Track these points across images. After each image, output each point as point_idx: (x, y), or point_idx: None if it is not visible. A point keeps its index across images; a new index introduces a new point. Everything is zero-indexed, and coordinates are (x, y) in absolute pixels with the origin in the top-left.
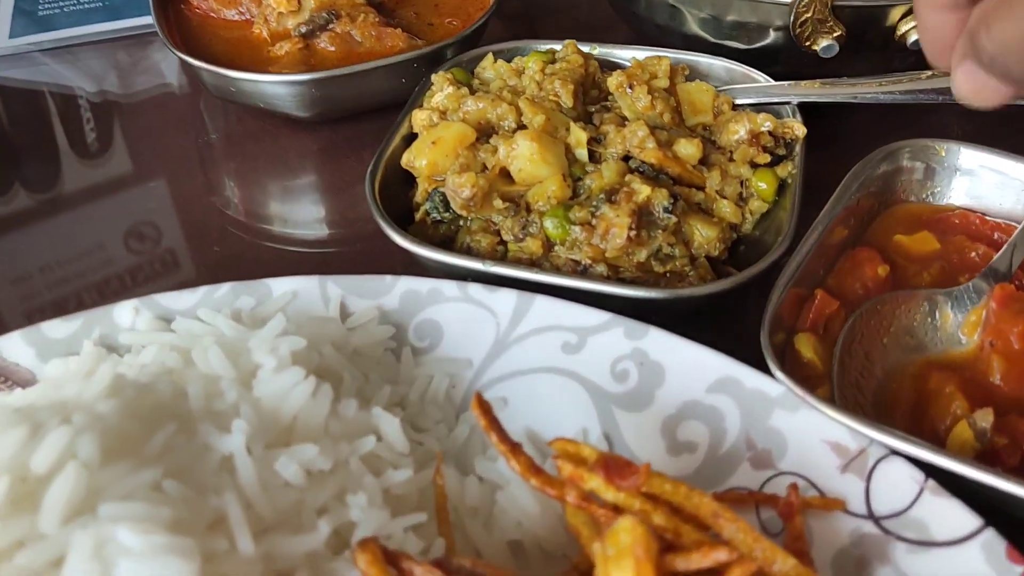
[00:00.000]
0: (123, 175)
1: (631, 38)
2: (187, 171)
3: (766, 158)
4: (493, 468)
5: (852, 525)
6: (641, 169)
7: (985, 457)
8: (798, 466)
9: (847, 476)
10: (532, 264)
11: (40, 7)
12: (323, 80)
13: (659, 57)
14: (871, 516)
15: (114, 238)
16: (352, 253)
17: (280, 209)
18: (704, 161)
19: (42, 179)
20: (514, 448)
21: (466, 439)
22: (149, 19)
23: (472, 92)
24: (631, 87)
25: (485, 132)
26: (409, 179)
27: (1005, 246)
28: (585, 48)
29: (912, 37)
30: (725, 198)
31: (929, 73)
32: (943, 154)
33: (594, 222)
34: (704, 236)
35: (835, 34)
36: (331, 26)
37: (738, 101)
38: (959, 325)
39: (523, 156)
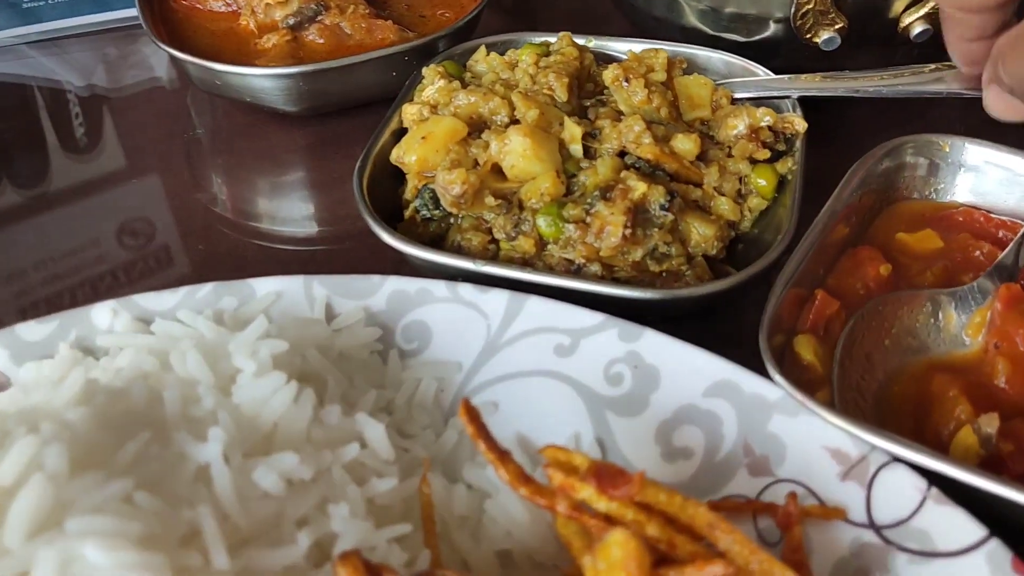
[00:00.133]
0: (112, 171)
1: (629, 30)
2: (174, 167)
3: (765, 154)
4: (482, 475)
5: (852, 535)
6: (637, 165)
7: (990, 464)
8: (797, 473)
9: (847, 484)
10: (525, 263)
11: None
12: (311, 73)
13: (656, 50)
14: (872, 525)
15: (101, 235)
16: (341, 251)
17: (268, 206)
18: (702, 157)
19: (31, 175)
20: (503, 456)
21: (454, 445)
22: (136, 11)
23: (464, 86)
24: (627, 80)
25: (477, 127)
26: (399, 175)
27: (1011, 245)
28: (580, 41)
29: (916, 30)
30: (723, 195)
31: (932, 66)
32: (947, 150)
33: (588, 220)
34: (701, 234)
35: (837, 26)
36: (320, 18)
37: (737, 95)
38: (963, 326)
39: (516, 152)
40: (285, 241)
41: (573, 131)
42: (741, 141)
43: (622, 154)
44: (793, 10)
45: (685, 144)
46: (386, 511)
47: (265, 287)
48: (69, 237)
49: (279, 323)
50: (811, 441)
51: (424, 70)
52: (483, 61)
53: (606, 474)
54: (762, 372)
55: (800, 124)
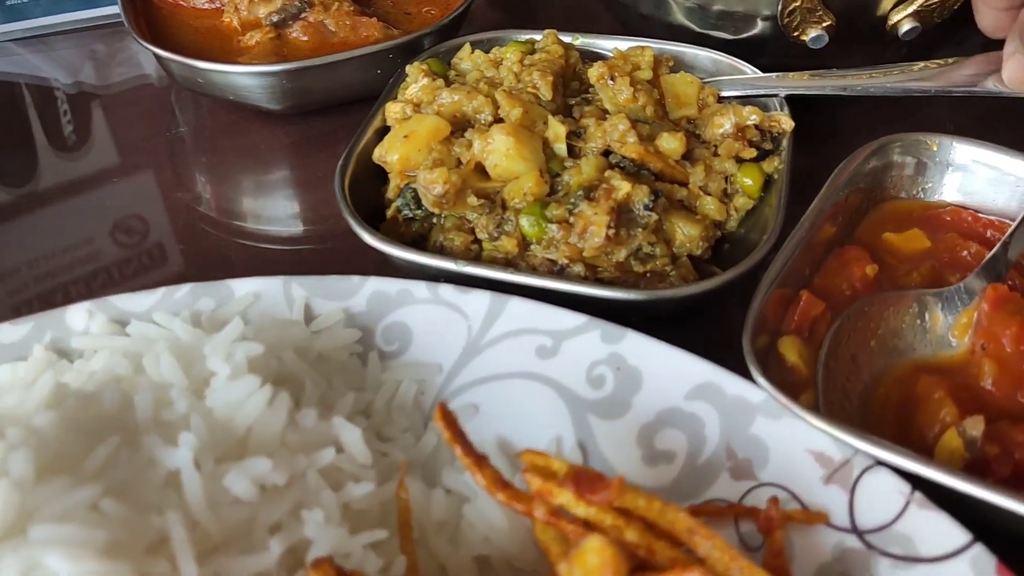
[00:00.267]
0: (99, 170)
1: (617, 28)
2: (157, 166)
3: (752, 153)
4: (461, 479)
5: (835, 539)
6: (622, 164)
7: (975, 467)
8: (780, 477)
9: (831, 487)
10: (507, 264)
11: None
12: (295, 71)
13: (642, 48)
14: (855, 530)
15: (84, 234)
16: (324, 250)
17: (250, 205)
18: (688, 156)
19: (19, 173)
20: (479, 461)
21: (434, 448)
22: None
23: (448, 84)
24: (612, 79)
25: (461, 126)
26: (383, 174)
27: (998, 245)
28: (567, 38)
29: (904, 27)
30: (709, 194)
31: (921, 64)
32: (935, 149)
33: (572, 220)
34: (686, 234)
35: (824, 24)
36: (304, 15)
37: (724, 93)
38: (950, 327)
39: (499, 151)
40: (268, 240)
41: (557, 130)
42: (727, 140)
43: (607, 153)
44: (780, 8)
45: (670, 143)
46: (362, 516)
47: (243, 288)
48: (55, 236)
49: (257, 325)
50: (794, 444)
51: (408, 68)
52: (467, 59)
53: (584, 479)
54: (747, 374)
55: (787, 123)
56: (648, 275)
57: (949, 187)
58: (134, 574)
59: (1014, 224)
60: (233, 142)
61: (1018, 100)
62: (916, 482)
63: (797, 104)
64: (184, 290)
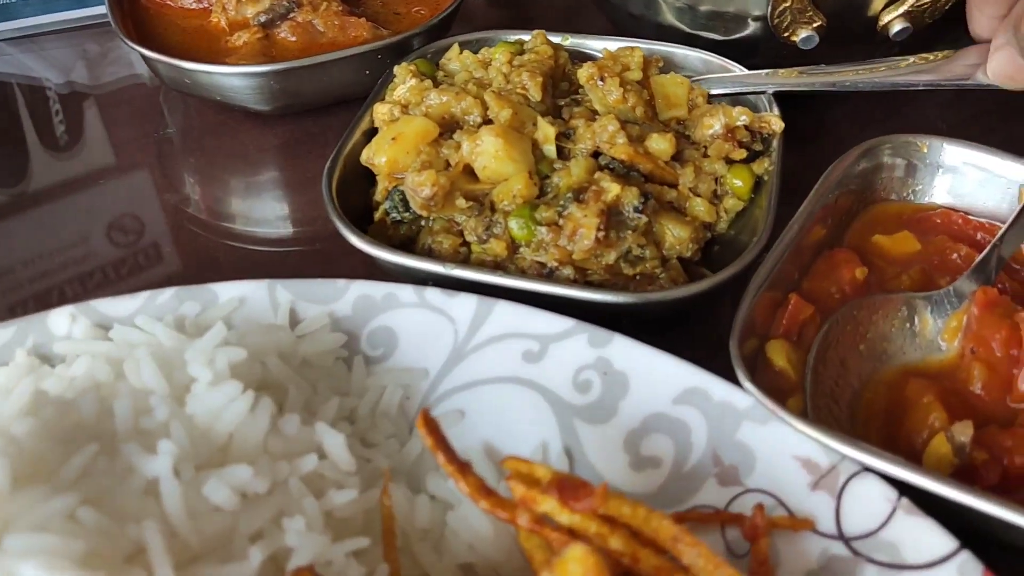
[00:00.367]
0: (88, 171)
1: (608, 27)
2: (146, 167)
3: (742, 153)
4: (446, 486)
5: (821, 546)
6: (611, 166)
7: (963, 473)
8: (766, 483)
9: (817, 494)
10: (496, 266)
11: None
12: (282, 72)
13: (632, 48)
14: (841, 537)
15: (72, 236)
16: (313, 252)
17: (239, 206)
18: (677, 157)
19: (11, 173)
20: (462, 468)
21: (419, 455)
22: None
23: (436, 85)
24: (602, 79)
25: (449, 127)
26: (372, 175)
27: (988, 248)
28: (556, 39)
29: (895, 28)
30: (699, 196)
31: (910, 60)
32: (925, 150)
33: (561, 222)
34: (676, 236)
35: (815, 24)
36: (292, 15)
37: (713, 92)
38: (939, 331)
39: (487, 153)
40: (257, 242)
41: (546, 131)
42: (717, 141)
43: (597, 154)
44: (770, 8)
45: (660, 144)
46: (345, 524)
47: (228, 292)
48: (45, 236)
49: (241, 329)
50: (781, 450)
51: (395, 69)
52: (456, 60)
53: (568, 487)
54: (735, 378)
55: (777, 123)
56: (638, 277)
57: (939, 189)
58: None
59: (1004, 227)
60: (221, 143)
61: (1010, 98)
62: (904, 488)
63: (787, 103)
64: (168, 294)
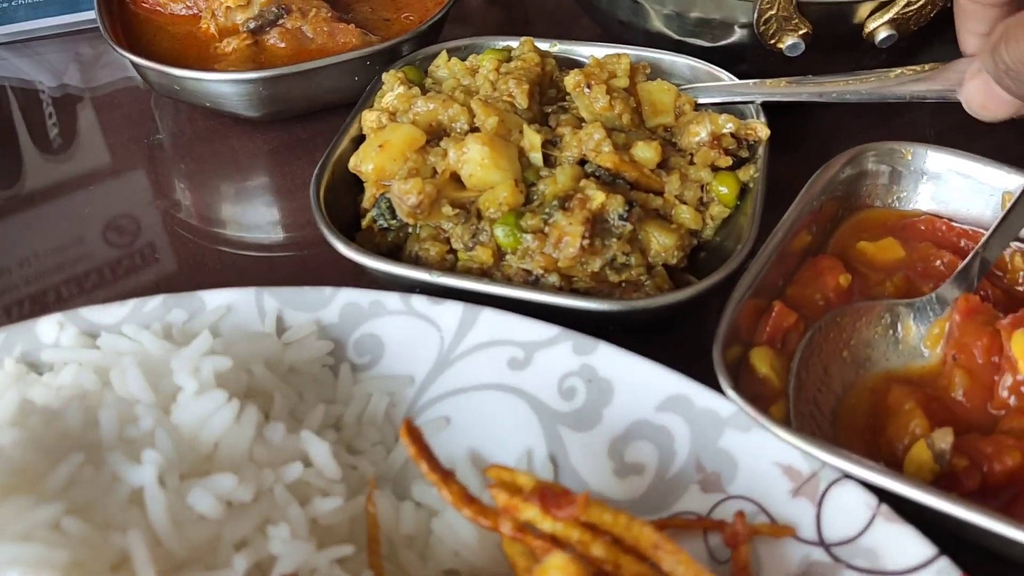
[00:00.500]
0: (82, 174)
1: (597, 32)
2: (136, 171)
3: (727, 161)
4: (431, 493)
5: (802, 552)
6: (597, 174)
7: (944, 479)
8: (748, 490)
9: (798, 500)
10: (483, 274)
11: None
12: (271, 79)
13: (619, 55)
14: (822, 543)
15: (68, 238)
16: (302, 258)
17: (228, 212)
18: (664, 164)
19: (4, 175)
20: (446, 477)
21: (404, 462)
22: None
23: (424, 92)
24: (589, 87)
25: (437, 134)
26: (361, 182)
27: (970, 255)
28: (544, 45)
29: (880, 35)
30: (685, 203)
31: (897, 71)
32: (909, 157)
33: (547, 230)
34: (661, 244)
35: (801, 32)
36: (281, 21)
37: (701, 101)
38: (922, 338)
39: (474, 160)
40: (246, 247)
41: (532, 139)
42: (703, 148)
43: (583, 162)
44: (756, 16)
45: (645, 152)
46: (331, 531)
47: (215, 300)
48: (37, 240)
49: (228, 337)
50: (763, 457)
51: (384, 76)
52: (444, 67)
53: (550, 495)
54: (720, 386)
55: (763, 131)
56: (623, 284)
57: (923, 196)
58: None
59: (987, 234)
60: (211, 148)
61: None
62: (884, 495)
63: (774, 109)
64: (155, 302)
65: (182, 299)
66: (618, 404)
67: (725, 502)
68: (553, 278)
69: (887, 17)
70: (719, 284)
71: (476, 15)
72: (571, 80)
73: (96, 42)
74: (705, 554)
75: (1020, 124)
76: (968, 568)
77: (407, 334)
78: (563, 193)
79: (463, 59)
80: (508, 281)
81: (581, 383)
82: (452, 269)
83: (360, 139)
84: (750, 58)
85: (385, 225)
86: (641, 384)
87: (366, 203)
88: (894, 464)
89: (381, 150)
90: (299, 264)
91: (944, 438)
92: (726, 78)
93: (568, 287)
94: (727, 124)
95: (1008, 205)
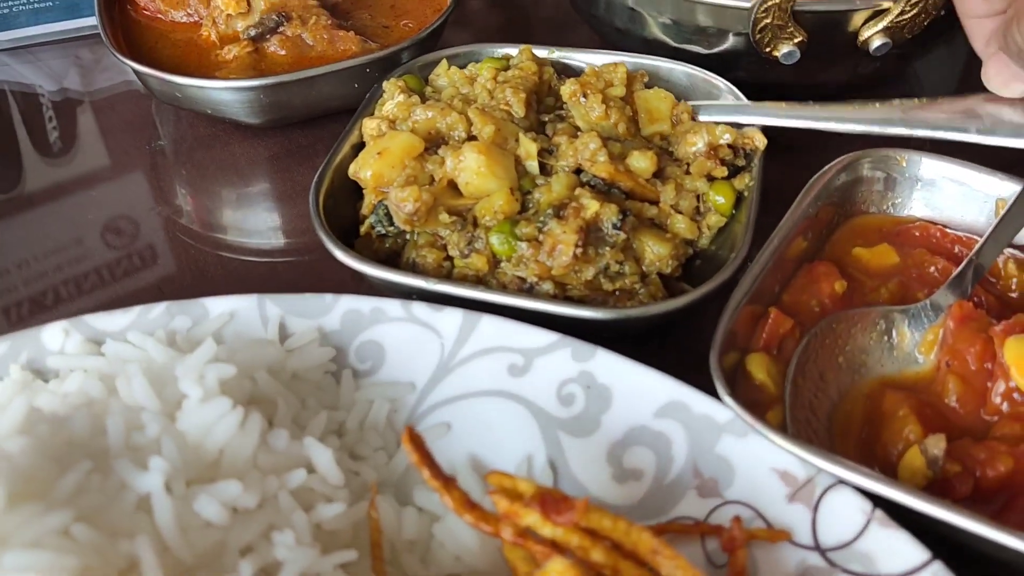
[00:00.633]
0: (81, 180)
1: (594, 39)
2: (137, 177)
3: (723, 171)
4: (433, 498)
5: (798, 557)
6: (592, 183)
7: (937, 485)
8: (745, 495)
9: (794, 505)
10: (478, 281)
11: None
12: (272, 86)
13: (615, 64)
14: (817, 547)
15: (58, 246)
16: (303, 263)
17: (229, 218)
18: (659, 174)
19: (4, 179)
20: (447, 483)
21: (406, 467)
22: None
23: (424, 100)
24: (585, 96)
25: (435, 142)
26: (360, 189)
27: (964, 262)
28: (543, 52)
29: (875, 43)
30: (680, 213)
31: (898, 101)
32: (904, 164)
33: (541, 238)
34: (656, 253)
35: (796, 40)
36: (281, 29)
37: (700, 118)
38: (916, 344)
39: (470, 169)
40: (247, 253)
41: (528, 148)
42: (699, 158)
43: (579, 171)
44: (752, 24)
45: (640, 162)
46: (334, 537)
47: (219, 307)
48: (36, 242)
49: (231, 345)
50: (759, 463)
51: (384, 84)
52: (444, 75)
53: (550, 500)
54: (717, 392)
55: (760, 140)
56: (617, 292)
57: (918, 202)
58: None
59: (981, 240)
60: (212, 154)
61: None
62: (879, 500)
63: None
64: (159, 309)
65: (186, 306)
66: (617, 410)
67: (722, 507)
68: (547, 286)
69: (881, 25)
70: (713, 292)
71: (475, 18)
72: (567, 89)
73: (96, 46)
74: (703, 559)
75: None
76: (962, 572)
77: (408, 341)
78: (558, 202)
79: (462, 66)
80: (503, 288)
81: (580, 389)
82: (449, 276)
83: (360, 146)
84: (745, 65)
85: (383, 232)
86: (639, 390)
87: (365, 209)
88: (888, 469)
89: (379, 157)
90: (300, 269)
91: (937, 444)
92: (723, 85)
93: (562, 295)
94: (724, 135)
95: (1002, 212)
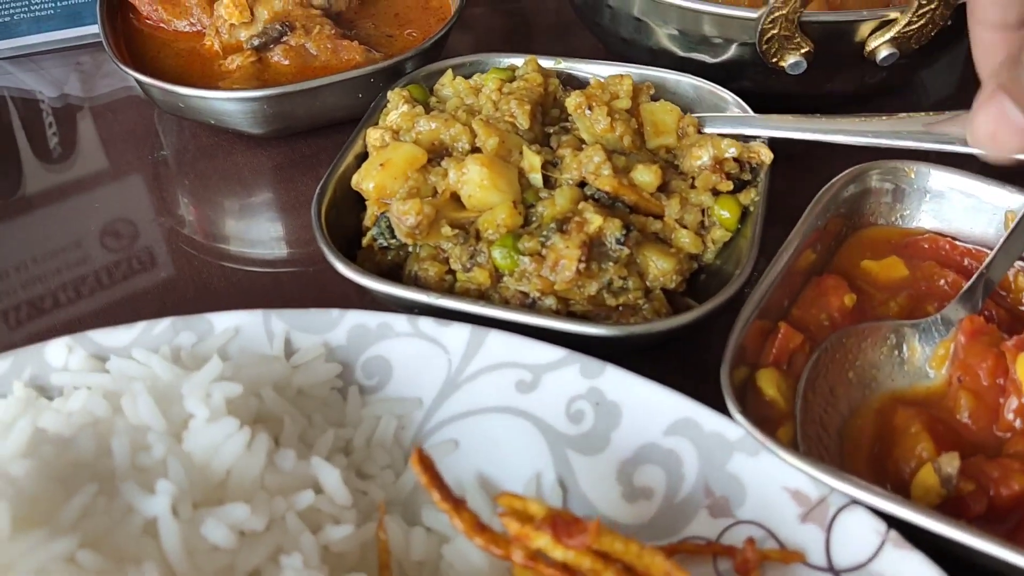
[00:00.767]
0: (82, 188)
1: (597, 45)
2: (139, 187)
3: (729, 185)
4: (441, 518)
5: None
6: (596, 196)
7: (950, 503)
8: (757, 515)
9: (807, 525)
10: (481, 295)
11: None
12: (276, 97)
13: (621, 76)
14: (831, 569)
15: (54, 260)
16: (306, 274)
17: (232, 229)
18: (664, 188)
19: (5, 184)
20: (457, 505)
21: (414, 486)
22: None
23: (428, 110)
24: (590, 108)
25: (439, 153)
26: (363, 200)
27: (975, 275)
28: (549, 63)
29: (882, 53)
30: (685, 227)
31: (904, 115)
32: (912, 176)
33: (544, 252)
34: (660, 268)
35: (803, 50)
36: (285, 39)
37: (706, 130)
38: (927, 359)
39: (473, 181)
40: (251, 263)
41: (532, 160)
42: (705, 172)
43: (583, 184)
44: (758, 35)
45: (645, 176)
46: (342, 559)
47: (224, 322)
48: (36, 247)
49: (237, 361)
50: (771, 481)
51: (389, 94)
52: (449, 85)
53: (562, 523)
54: (727, 408)
55: (766, 154)
56: (620, 308)
57: (926, 214)
58: None
59: (991, 253)
60: (215, 164)
61: None
62: (893, 519)
63: None
64: (164, 324)
65: (190, 321)
66: (626, 427)
67: (734, 527)
68: (550, 300)
69: (888, 36)
70: (717, 309)
71: (478, 23)
72: (572, 101)
73: (97, 52)
74: None
75: None
76: None
77: (415, 356)
78: (561, 215)
79: (467, 76)
80: (505, 303)
81: (589, 406)
82: (451, 289)
83: (364, 156)
84: (751, 75)
85: (385, 244)
86: (649, 407)
87: (367, 221)
88: (901, 486)
89: (382, 168)
90: (304, 280)
91: (951, 462)
92: (730, 99)
93: (565, 310)
94: (730, 148)
95: (1012, 225)
